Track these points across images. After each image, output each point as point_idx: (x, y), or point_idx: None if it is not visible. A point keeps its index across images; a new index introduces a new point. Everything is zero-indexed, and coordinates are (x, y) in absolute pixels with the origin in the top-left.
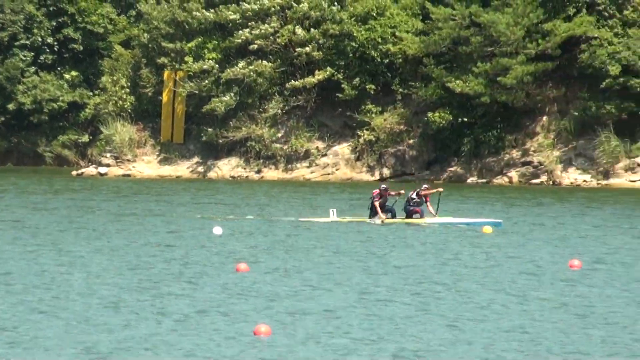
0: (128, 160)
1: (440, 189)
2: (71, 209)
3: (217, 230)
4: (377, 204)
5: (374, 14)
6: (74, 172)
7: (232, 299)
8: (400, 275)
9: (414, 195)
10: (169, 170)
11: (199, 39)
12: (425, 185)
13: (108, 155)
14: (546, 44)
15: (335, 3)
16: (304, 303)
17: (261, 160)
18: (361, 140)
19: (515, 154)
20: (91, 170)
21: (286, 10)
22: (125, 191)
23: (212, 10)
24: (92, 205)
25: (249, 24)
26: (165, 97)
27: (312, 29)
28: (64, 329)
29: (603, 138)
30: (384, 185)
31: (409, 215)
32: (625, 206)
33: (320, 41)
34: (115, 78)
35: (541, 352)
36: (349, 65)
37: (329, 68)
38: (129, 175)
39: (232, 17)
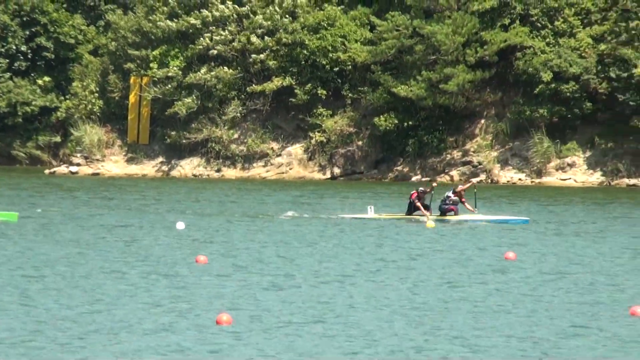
0: (97, 159)
1: (474, 181)
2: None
3: (180, 225)
4: (419, 204)
5: (325, 25)
6: (47, 171)
7: (193, 290)
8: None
9: (450, 194)
10: (135, 169)
11: (163, 47)
12: (460, 186)
13: (78, 155)
14: (484, 52)
15: (287, 15)
16: (265, 294)
17: (221, 160)
18: (313, 141)
19: (456, 154)
20: (63, 169)
21: (243, 20)
22: (95, 188)
23: (175, 20)
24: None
25: (210, 28)
26: (131, 101)
27: (266, 37)
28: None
29: (536, 139)
30: (421, 188)
31: (444, 213)
32: (557, 202)
33: (274, 49)
34: (85, 83)
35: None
36: (302, 72)
37: (284, 76)
38: (98, 174)
39: (193, 22)
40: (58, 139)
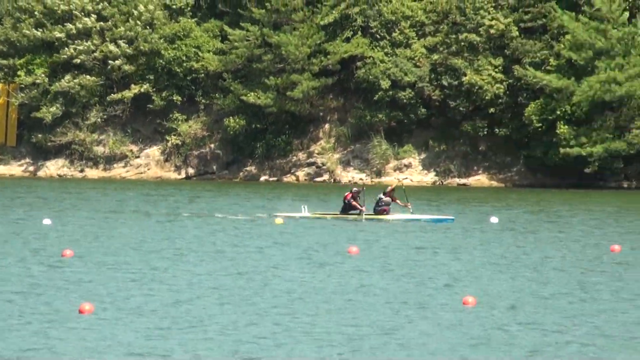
0: None
1: (401, 180)
2: None
3: (47, 220)
4: (355, 203)
5: (180, 36)
6: None
7: (58, 282)
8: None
9: (381, 196)
10: (3, 170)
11: (29, 56)
12: (389, 187)
13: None
14: (328, 61)
15: (147, 27)
16: (127, 285)
17: (84, 161)
18: (169, 144)
19: (302, 156)
20: None
21: (105, 31)
22: None
23: (41, 30)
24: None
25: (75, 41)
26: None
27: (123, 44)
28: None
29: (375, 142)
30: (355, 189)
31: (378, 214)
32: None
33: (132, 55)
34: None
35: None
36: (159, 79)
37: (142, 83)
38: None
39: (58, 35)
40: None
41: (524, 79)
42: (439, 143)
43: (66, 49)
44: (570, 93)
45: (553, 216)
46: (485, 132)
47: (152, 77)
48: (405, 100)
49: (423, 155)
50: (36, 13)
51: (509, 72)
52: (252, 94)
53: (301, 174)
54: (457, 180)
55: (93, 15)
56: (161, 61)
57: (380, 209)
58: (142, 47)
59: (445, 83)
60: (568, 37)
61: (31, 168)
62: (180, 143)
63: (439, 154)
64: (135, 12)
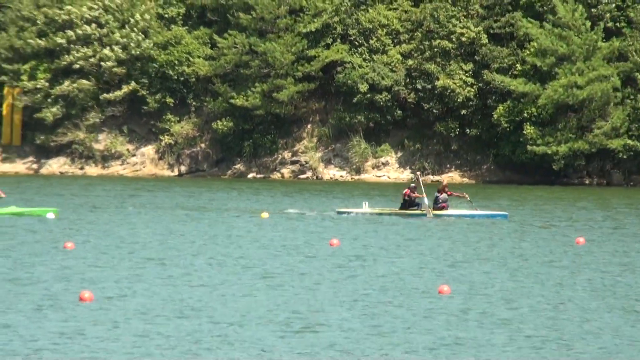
0: None
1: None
2: None
3: (50, 215)
4: (416, 194)
5: (173, 42)
6: None
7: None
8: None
9: (437, 194)
10: (8, 168)
11: (33, 62)
12: (442, 184)
13: None
14: (310, 67)
15: (142, 34)
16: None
17: (83, 160)
18: (163, 143)
19: (286, 154)
20: None
21: (102, 38)
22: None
23: (44, 39)
24: None
25: (75, 46)
26: (5, 109)
27: (120, 50)
28: None
29: (355, 142)
30: (412, 184)
31: (437, 211)
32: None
33: (128, 61)
34: None
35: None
36: (153, 83)
37: (133, 83)
38: None
39: (59, 41)
40: None
41: (493, 83)
42: (414, 142)
43: (66, 55)
44: (535, 96)
45: (523, 210)
46: (457, 132)
47: (146, 80)
48: (382, 103)
49: (399, 154)
50: (38, 22)
51: (478, 76)
52: (240, 97)
53: (286, 171)
54: (431, 177)
55: (93, 23)
56: (155, 65)
57: (439, 205)
58: (136, 53)
59: (419, 87)
60: (533, 44)
61: (34, 166)
62: (173, 142)
63: (414, 152)
64: (132, 21)
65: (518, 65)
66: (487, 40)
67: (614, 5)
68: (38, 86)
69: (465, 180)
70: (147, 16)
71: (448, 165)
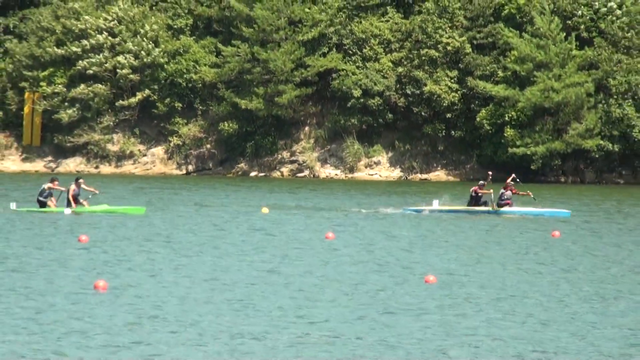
0: None
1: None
2: None
3: (67, 211)
4: (483, 190)
5: (181, 51)
6: None
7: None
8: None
9: (503, 191)
10: (29, 167)
11: (51, 69)
12: (508, 181)
13: None
14: (307, 73)
15: (152, 43)
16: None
17: (98, 159)
18: (172, 144)
19: (286, 154)
20: None
21: (116, 46)
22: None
23: (61, 47)
24: None
25: (89, 54)
26: (26, 112)
27: (132, 59)
28: None
29: (349, 143)
30: (481, 182)
31: (501, 207)
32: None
33: (140, 68)
34: None
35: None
36: (162, 88)
37: (146, 90)
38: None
39: (75, 50)
40: None
41: (476, 89)
42: (403, 143)
43: (81, 62)
44: (515, 100)
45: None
46: (443, 134)
47: (156, 86)
48: (374, 107)
49: (390, 154)
50: (57, 32)
51: (463, 82)
52: (243, 101)
53: (285, 170)
54: (419, 176)
55: (105, 32)
56: (164, 73)
57: (504, 202)
58: (147, 61)
59: (408, 92)
60: (513, 52)
61: (52, 165)
62: (181, 143)
63: (404, 152)
64: (142, 31)
65: (499, 72)
66: (470, 49)
67: (587, 17)
68: (56, 91)
69: (451, 178)
70: (156, 27)
71: (435, 165)
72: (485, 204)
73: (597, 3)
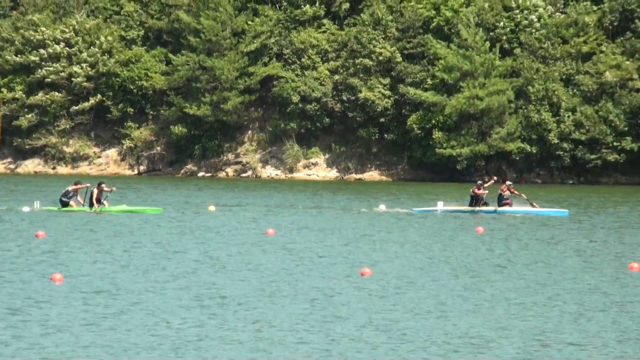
0: None
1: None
2: None
3: (26, 208)
4: (480, 191)
5: (133, 60)
6: None
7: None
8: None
9: (501, 192)
10: None
11: (10, 77)
12: (507, 182)
13: None
14: (250, 81)
15: (107, 53)
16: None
17: (55, 161)
18: (124, 146)
19: (230, 156)
20: None
21: (72, 56)
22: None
23: (20, 56)
24: None
25: (47, 63)
26: None
27: (88, 68)
28: None
29: (289, 146)
30: (479, 182)
31: (502, 207)
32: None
33: (95, 77)
34: None
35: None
36: (116, 95)
37: (99, 95)
38: None
39: (33, 59)
40: None
41: (407, 95)
42: (339, 146)
43: (40, 70)
44: (443, 106)
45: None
46: (377, 137)
47: (110, 93)
48: (312, 112)
49: (327, 156)
50: (16, 42)
51: (395, 89)
52: (192, 106)
53: (230, 170)
54: (354, 176)
55: (62, 42)
56: (118, 80)
57: (503, 202)
58: (102, 69)
59: (344, 98)
60: (441, 61)
61: (12, 166)
62: (133, 146)
63: (340, 154)
64: (97, 42)
65: (428, 79)
66: (401, 58)
67: (508, 29)
68: (16, 97)
69: (384, 178)
70: (110, 38)
71: (369, 166)
72: (486, 204)
73: (518, 16)
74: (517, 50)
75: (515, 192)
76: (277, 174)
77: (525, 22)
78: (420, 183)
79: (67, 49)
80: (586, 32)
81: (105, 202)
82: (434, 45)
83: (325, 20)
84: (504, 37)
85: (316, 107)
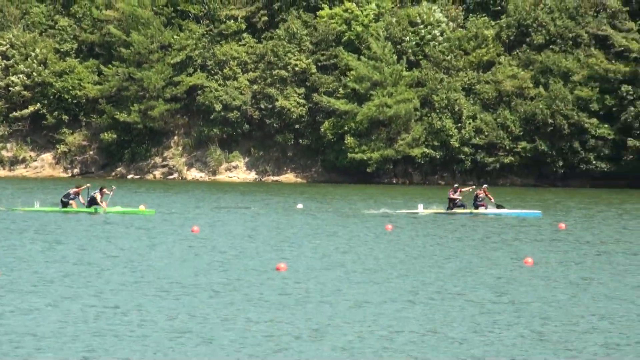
0: None
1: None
2: None
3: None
4: (454, 195)
5: (67, 71)
6: None
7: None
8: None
9: (476, 194)
10: None
11: None
12: (484, 185)
13: None
14: (177, 90)
15: (42, 64)
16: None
17: None
18: (59, 151)
19: (158, 159)
20: None
21: (9, 68)
22: None
23: None
24: None
25: None
26: None
27: (25, 77)
28: None
29: (212, 150)
30: (456, 185)
31: (476, 208)
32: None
33: (31, 86)
34: None
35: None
36: (51, 103)
37: (38, 104)
38: None
39: None
40: None
41: (320, 104)
42: (258, 150)
43: None
44: (354, 113)
45: (345, 202)
46: (292, 142)
47: (45, 101)
48: (233, 119)
49: (247, 159)
50: None
51: (309, 98)
52: (122, 114)
53: (157, 173)
54: (271, 178)
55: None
56: (53, 90)
57: (479, 203)
58: (37, 80)
59: (262, 106)
60: (352, 72)
61: None
62: (67, 150)
63: (258, 158)
64: (33, 54)
65: (340, 89)
66: (316, 69)
67: (414, 42)
68: None
69: (299, 180)
70: (45, 50)
71: (285, 169)
72: (463, 206)
73: (422, 31)
74: (423, 62)
75: (489, 195)
76: (201, 176)
77: (429, 36)
78: (333, 184)
79: (5, 61)
80: (486, 44)
81: (103, 204)
82: (345, 57)
83: (245, 34)
84: (410, 50)
85: (237, 115)
